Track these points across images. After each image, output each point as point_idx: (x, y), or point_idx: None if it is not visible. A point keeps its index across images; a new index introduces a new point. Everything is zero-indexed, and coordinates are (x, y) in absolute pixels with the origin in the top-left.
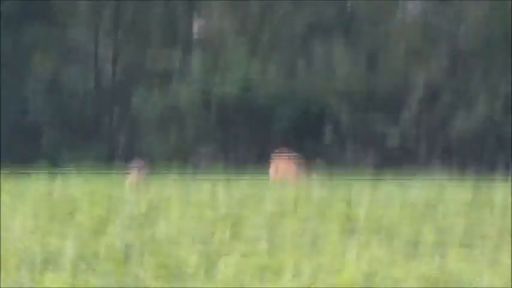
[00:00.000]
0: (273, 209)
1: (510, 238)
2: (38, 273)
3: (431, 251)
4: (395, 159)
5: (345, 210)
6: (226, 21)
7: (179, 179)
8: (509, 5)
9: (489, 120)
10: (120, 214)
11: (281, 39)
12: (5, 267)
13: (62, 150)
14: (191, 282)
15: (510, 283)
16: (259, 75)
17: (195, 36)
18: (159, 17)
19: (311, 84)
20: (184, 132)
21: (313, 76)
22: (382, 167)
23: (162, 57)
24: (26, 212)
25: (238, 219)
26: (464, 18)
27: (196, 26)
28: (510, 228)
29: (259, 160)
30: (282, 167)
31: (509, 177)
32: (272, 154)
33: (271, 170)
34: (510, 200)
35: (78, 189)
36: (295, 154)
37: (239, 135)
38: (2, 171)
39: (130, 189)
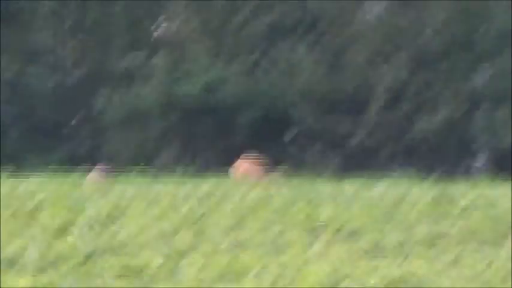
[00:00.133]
0: (235, 210)
1: (473, 237)
2: (0, 274)
3: (394, 251)
4: (358, 160)
5: (308, 210)
6: (189, 22)
7: (142, 180)
8: (472, 5)
9: (452, 121)
10: (83, 215)
11: (244, 40)
12: None
13: (25, 152)
14: (153, 282)
15: (471, 283)
16: (222, 76)
17: (158, 37)
18: (122, 18)
19: (274, 85)
20: (147, 133)
21: (276, 77)
22: (345, 167)
23: (125, 59)
24: None
25: (201, 220)
26: (428, 20)
27: (160, 27)
28: (473, 228)
29: (222, 161)
30: (245, 168)
31: (472, 177)
32: (235, 155)
33: (234, 171)
34: (472, 200)
35: (40, 190)
36: (258, 155)
37: (202, 137)
38: None
39: (93, 190)
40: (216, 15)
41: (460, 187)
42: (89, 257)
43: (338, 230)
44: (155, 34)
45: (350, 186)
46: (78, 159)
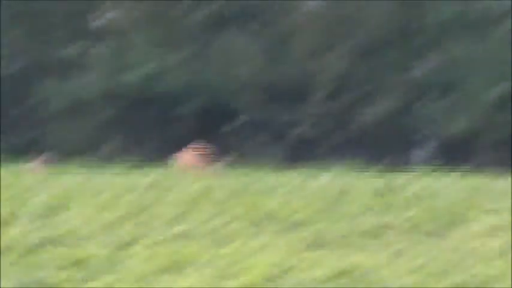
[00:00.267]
0: (179, 201)
1: (416, 229)
2: None
3: (338, 242)
4: (302, 150)
5: (252, 201)
6: (131, 12)
7: (85, 170)
8: None
9: (395, 111)
10: (26, 207)
11: (186, 30)
12: None
13: None
14: (97, 273)
15: (415, 274)
16: (165, 65)
17: (101, 27)
18: (64, 8)
19: (217, 75)
20: (90, 123)
21: (219, 67)
22: (289, 158)
23: (67, 49)
24: None
25: (145, 212)
26: (370, 10)
27: (102, 16)
28: (416, 219)
29: (166, 151)
30: (189, 158)
31: (415, 168)
32: (179, 145)
33: (178, 161)
34: (415, 192)
35: None
36: (201, 145)
37: (145, 127)
38: None
39: (36, 181)
40: (158, 5)
41: (403, 178)
42: (32, 248)
43: (282, 221)
44: (97, 24)
45: (294, 177)
46: (20, 150)
